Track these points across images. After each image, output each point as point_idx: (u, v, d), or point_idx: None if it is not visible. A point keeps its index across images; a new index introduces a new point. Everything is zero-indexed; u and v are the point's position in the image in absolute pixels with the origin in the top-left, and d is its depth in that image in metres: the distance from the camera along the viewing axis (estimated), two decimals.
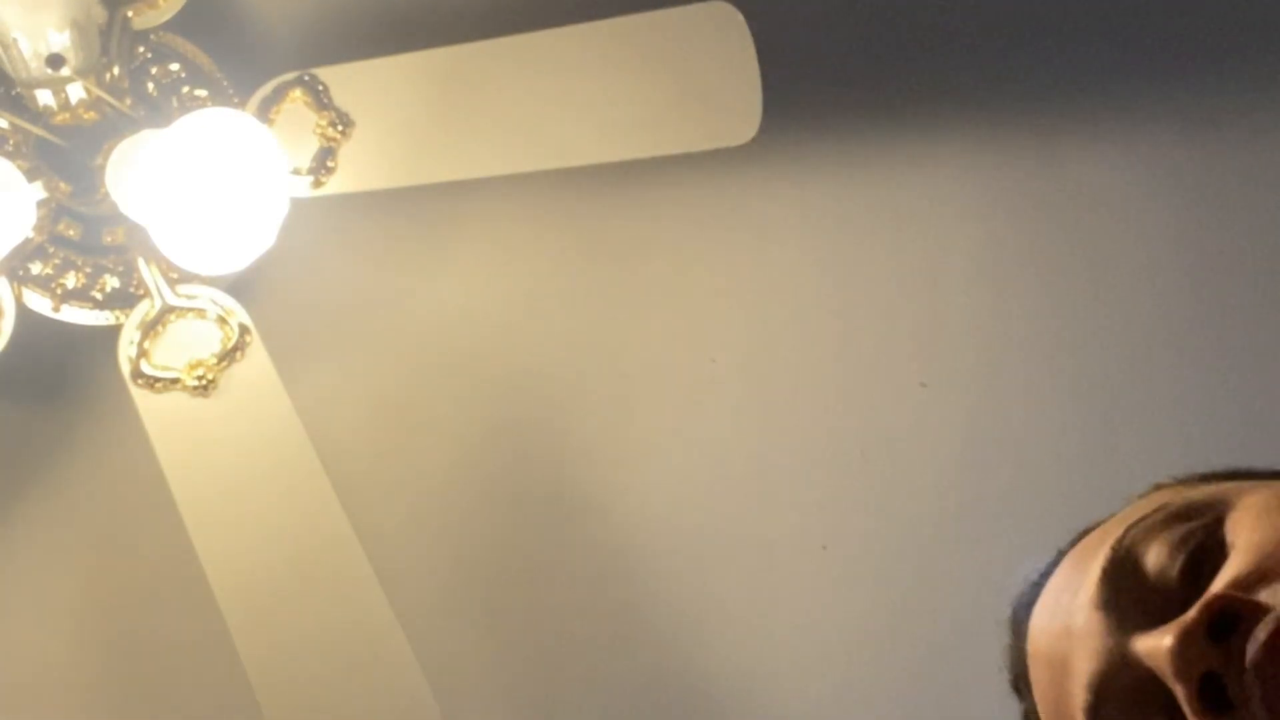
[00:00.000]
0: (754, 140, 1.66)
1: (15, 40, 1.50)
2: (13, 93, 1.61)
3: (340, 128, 1.65)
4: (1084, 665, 0.69)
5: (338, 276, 1.94)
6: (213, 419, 1.67)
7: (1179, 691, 0.64)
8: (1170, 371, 2.00)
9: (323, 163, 1.65)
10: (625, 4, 1.62)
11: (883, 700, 1.99)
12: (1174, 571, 0.68)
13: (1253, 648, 0.62)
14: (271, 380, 1.68)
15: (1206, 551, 0.68)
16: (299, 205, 1.61)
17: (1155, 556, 0.69)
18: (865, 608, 2.01)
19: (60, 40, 1.52)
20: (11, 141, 1.63)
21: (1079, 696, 0.69)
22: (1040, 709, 0.74)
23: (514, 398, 1.98)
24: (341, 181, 1.66)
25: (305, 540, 1.69)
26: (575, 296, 1.99)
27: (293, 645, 1.69)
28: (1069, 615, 0.71)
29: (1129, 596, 0.69)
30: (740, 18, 1.63)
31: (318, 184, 1.66)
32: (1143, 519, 0.71)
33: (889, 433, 2.00)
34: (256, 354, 1.68)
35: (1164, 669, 0.65)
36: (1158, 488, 0.78)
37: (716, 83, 1.65)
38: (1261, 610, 0.63)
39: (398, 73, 1.65)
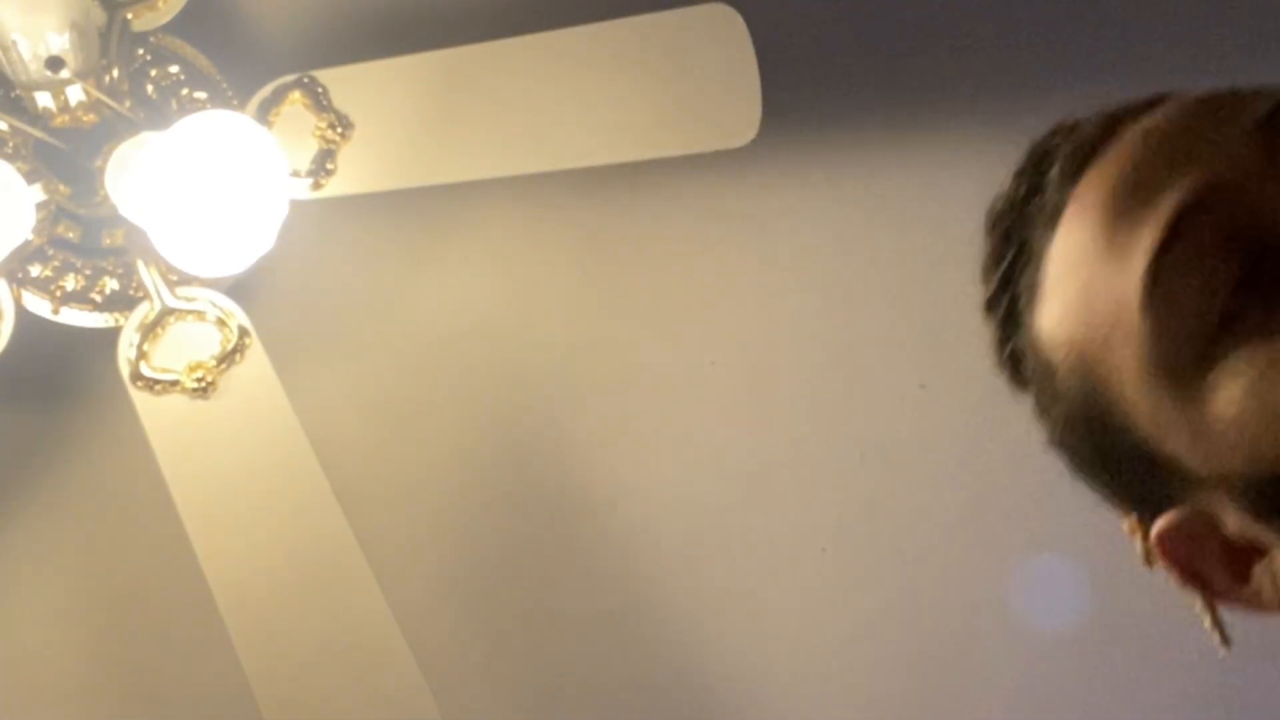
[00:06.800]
0: (754, 142, 1.66)
1: (15, 42, 1.50)
2: (12, 95, 1.61)
3: (340, 130, 1.65)
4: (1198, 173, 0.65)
5: (337, 278, 1.94)
6: (212, 421, 1.67)
7: None
8: None
9: (322, 165, 1.65)
10: (625, 6, 1.62)
11: (882, 700, 2.00)
12: None
13: None
14: (271, 382, 1.68)
15: None
16: (298, 207, 1.61)
17: None
18: (865, 608, 2.01)
19: (60, 42, 1.51)
20: (11, 144, 1.63)
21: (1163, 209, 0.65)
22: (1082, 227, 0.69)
23: (514, 399, 1.98)
24: (341, 184, 1.66)
25: (304, 541, 1.69)
26: (575, 298, 1.99)
27: (291, 645, 1.69)
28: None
29: None
30: (740, 19, 1.63)
31: (317, 186, 1.66)
32: None
33: (889, 434, 2.00)
34: (256, 356, 1.68)
35: None
36: None
37: (716, 84, 1.65)
38: None
39: (397, 75, 1.65)
